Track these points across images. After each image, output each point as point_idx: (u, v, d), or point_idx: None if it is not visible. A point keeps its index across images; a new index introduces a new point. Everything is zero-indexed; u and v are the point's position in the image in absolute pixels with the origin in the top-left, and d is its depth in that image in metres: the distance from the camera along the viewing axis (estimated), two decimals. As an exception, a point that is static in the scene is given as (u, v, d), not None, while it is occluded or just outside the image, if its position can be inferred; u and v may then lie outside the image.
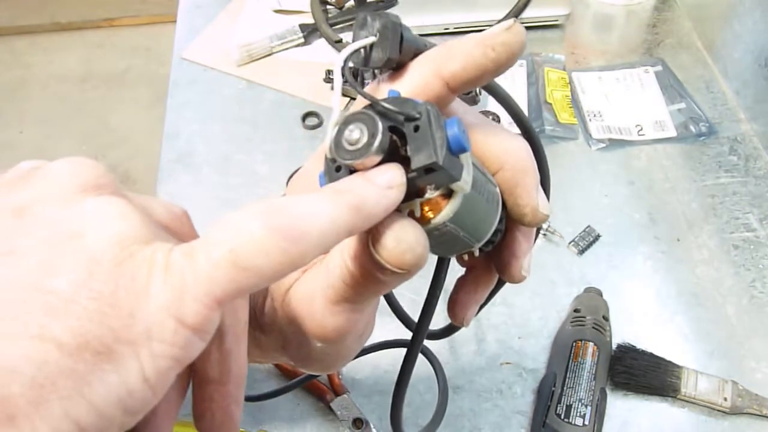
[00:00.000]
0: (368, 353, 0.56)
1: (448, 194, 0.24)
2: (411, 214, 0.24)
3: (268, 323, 0.30)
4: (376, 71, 0.24)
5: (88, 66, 2.28)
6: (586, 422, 0.56)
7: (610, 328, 0.62)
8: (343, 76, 0.24)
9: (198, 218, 0.27)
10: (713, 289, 0.67)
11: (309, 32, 0.90)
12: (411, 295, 0.53)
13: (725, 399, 0.58)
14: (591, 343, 0.60)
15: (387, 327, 0.42)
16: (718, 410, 0.59)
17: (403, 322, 0.43)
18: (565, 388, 0.58)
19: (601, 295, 0.65)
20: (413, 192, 0.23)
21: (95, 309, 0.19)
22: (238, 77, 0.87)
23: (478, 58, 0.25)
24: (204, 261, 0.20)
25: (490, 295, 0.34)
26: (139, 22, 2.38)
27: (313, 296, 0.27)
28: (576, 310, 0.63)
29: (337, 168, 0.24)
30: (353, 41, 0.26)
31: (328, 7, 0.92)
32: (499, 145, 0.27)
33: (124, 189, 0.23)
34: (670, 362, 0.60)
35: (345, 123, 0.23)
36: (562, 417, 0.56)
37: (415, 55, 0.27)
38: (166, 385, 0.20)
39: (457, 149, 0.23)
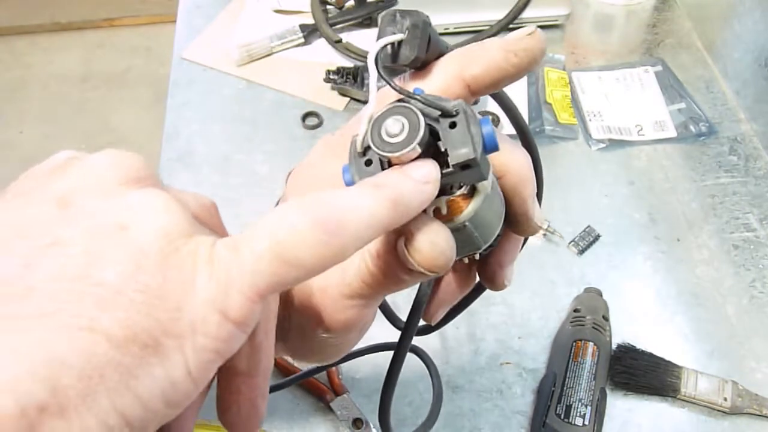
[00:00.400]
0: (366, 354, 0.56)
1: (470, 194, 0.24)
2: (437, 212, 0.24)
3: None
4: (380, 70, 0.24)
5: (88, 66, 2.28)
6: (586, 422, 0.56)
7: (610, 328, 0.62)
8: (377, 69, 0.24)
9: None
10: (713, 289, 0.67)
11: (309, 32, 0.90)
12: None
13: (725, 399, 0.58)
14: (591, 343, 0.60)
15: (387, 330, 0.42)
16: (718, 410, 0.59)
17: (391, 322, 0.43)
18: (565, 388, 0.58)
19: (601, 295, 0.65)
20: (440, 189, 0.23)
21: (143, 301, 0.19)
22: (238, 77, 0.87)
23: (500, 63, 0.26)
24: (248, 254, 0.20)
25: (467, 303, 0.35)
26: (139, 22, 2.38)
27: (325, 287, 0.27)
28: (576, 310, 0.63)
29: (367, 162, 0.23)
30: (378, 37, 0.26)
31: (328, 7, 0.92)
32: (503, 154, 0.27)
33: None
34: (669, 362, 0.60)
35: (382, 116, 0.23)
36: (562, 417, 0.56)
37: (439, 56, 0.27)
38: (208, 379, 0.20)
39: (491, 147, 0.23)
